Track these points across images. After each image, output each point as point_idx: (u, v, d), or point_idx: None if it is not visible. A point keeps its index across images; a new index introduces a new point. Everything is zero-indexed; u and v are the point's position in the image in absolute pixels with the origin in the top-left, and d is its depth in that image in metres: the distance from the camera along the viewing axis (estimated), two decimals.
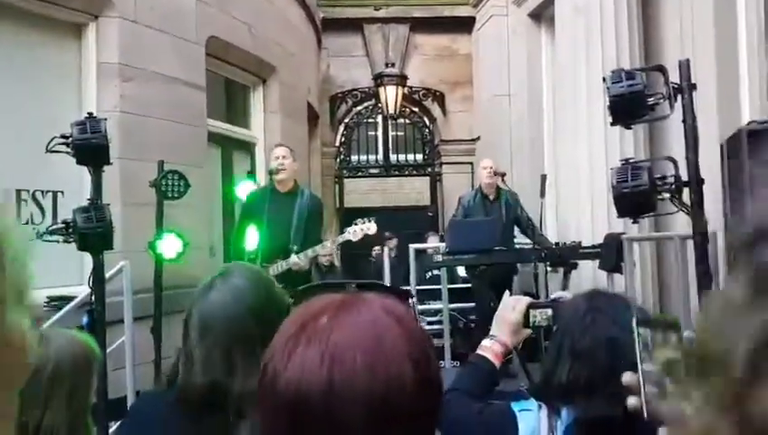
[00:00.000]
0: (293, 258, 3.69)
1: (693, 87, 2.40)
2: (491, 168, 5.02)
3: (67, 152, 2.74)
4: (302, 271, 3.74)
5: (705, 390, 0.36)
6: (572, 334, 1.16)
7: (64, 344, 1.30)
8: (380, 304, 0.67)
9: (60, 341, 1.31)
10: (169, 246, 3.93)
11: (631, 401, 0.73)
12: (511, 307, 1.37)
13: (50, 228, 2.81)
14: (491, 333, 1.40)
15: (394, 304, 0.68)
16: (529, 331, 1.38)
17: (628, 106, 2.49)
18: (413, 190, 9.17)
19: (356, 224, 3.82)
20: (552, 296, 1.50)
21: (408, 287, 6.13)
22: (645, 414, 0.70)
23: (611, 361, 1.06)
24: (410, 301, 4.34)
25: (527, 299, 1.40)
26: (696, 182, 2.37)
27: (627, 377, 0.74)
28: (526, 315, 1.36)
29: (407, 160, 9.32)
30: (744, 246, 0.36)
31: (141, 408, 1.24)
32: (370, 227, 3.78)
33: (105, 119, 2.84)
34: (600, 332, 1.11)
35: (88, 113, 2.87)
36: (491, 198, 5.02)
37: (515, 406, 1.19)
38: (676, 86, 2.41)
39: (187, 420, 1.08)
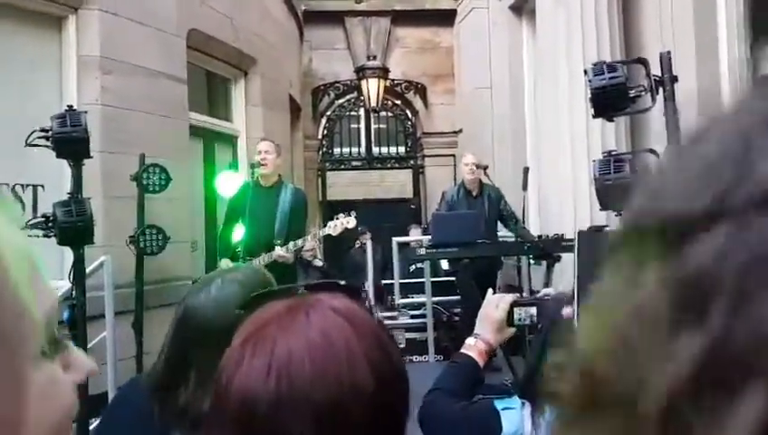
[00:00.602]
0: (279, 250, 3.69)
1: (674, 79, 2.44)
2: (472, 164, 5.03)
3: (47, 146, 2.69)
4: (287, 263, 3.74)
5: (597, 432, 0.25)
6: (556, 331, 1.15)
7: None
8: (329, 305, 0.65)
9: None
10: (151, 239, 3.90)
11: (566, 311, 0.76)
12: (494, 305, 1.36)
13: (30, 222, 2.77)
14: (475, 331, 1.38)
15: (344, 304, 0.66)
16: (513, 329, 1.37)
17: (610, 99, 2.52)
18: (396, 183, 9.19)
19: (336, 218, 3.84)
20: (538, 295, 1.50)
21: (390, 281, 6.17)
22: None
23: None
24: (363, 295, 4.35)
25: (511, 297, 1.39)
26: None
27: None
28: (510, 313, 1.35)
29: (389, 153, 9.32)
30: (661, 238, 0.24)
31: (124, 394, 1.24)
32: (350, 221, 3.79)
33: (85, 112, 2.80)
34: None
35: (68, 106, 2.83)
36: (474, 193, 5.04)
37: (498, 404, 1.18)
38: (657, 79, 2.45)
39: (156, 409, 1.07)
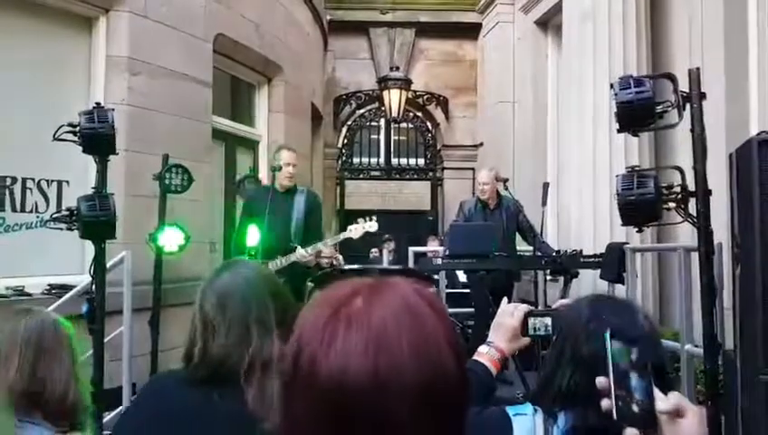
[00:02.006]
0: (300, 251, 3.72)
1: (702, 96, 2.40)
2: (483, 184, 4.96)
3: (74, 141, 2.73)
4: (308, 265, 3.76)
5: None
6: (574, 341, 1.12)
7: (48, 315, 1.48)
8: (411, 287, 0.63)
9: (45, 313, 1.49)
10: (170, 239, 3.93)
11: (604, 403, 0.77)
12: (509, 313, 1.34)
13: (53, 215, 2.81)
14: (488, 339, 1.36)
15: (424, 289, 0.65)
16: (527, 339, 1.35)
17: (636, 113, 2.48)
18: (413, 194, 9.18)
19: (357, 222, 3.85)
20: (553, 306, 1.47)
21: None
22: (614, 416, 0.75)
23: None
24: (433, 288, 4.32)
25: (526, 306, 1.37)
26: (704, 193, 2.36)
27: (600, 381, 0.78)
28: (525, 323, 1.33)
29: (408, 164, 9.33)
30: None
31: (153, 385, 1.27)
32: (372, 225, 3.80)
33: (112, 109, 2.84)
34: (603, 339, 1.09)
35: (96, 103, 2.87)
36: (491, 206, 5.00)
37: (510, 410, 1.16)
38: (684, 95, 2.41)
39: (196, 392, 1.12)
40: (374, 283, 0.62)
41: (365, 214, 7.37)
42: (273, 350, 1.13)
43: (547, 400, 1.13)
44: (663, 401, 0.75)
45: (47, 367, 1.39)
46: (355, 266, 4.30)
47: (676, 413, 0.74)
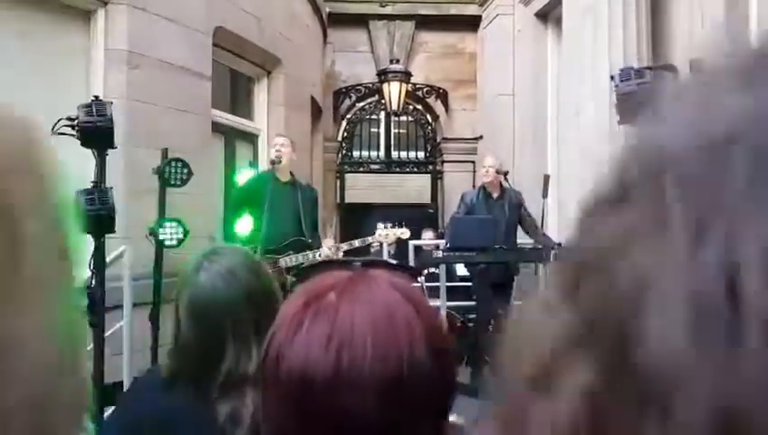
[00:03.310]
0: (327, 251, 3.66)
1: None
2: (489, 166, 4.97)
3: (72, 135, 2.73)
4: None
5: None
6: None
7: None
8: (389, 281, 0.62)
9: None
10: (170, 233, 3.93)
11: None
12: None
13: None
14: None
15: (403, 282, 0.64)
16: None
17: (637, 105, 2.48)
18: (414, 188, 9.17)
19: (385, 227, 3.78)
20: None
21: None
22: None
23: None
24: (419, 279, 4.27)
25: None
26: None
27: None
28: None
29: (408, 157, 9.32)
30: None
31: (132, 389, 1.24)
32: (405, 232, 3.75)
33: (111, 102, 2.84)
34: None
35: (94, 96, 2.87)
36: (494, 196, 4.99)
37: None
38: None
39: (175, 396, 1.08)
40: (351, 277, 0.62)
41: (365, 207, 7.34)
42: (250, 365, 1.05)
43: None
44: None
45: None
46: (339, 259, 4.25)
47: None
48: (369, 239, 3.79)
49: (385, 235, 3.72)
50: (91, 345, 2.91)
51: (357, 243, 3.79)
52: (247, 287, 1.12)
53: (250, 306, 1.10)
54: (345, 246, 3.71)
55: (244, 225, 3.74)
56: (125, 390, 1.34)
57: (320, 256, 3.65)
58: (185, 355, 1.12)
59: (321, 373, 0.55)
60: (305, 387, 0.55)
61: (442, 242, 5.48)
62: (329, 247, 3.69)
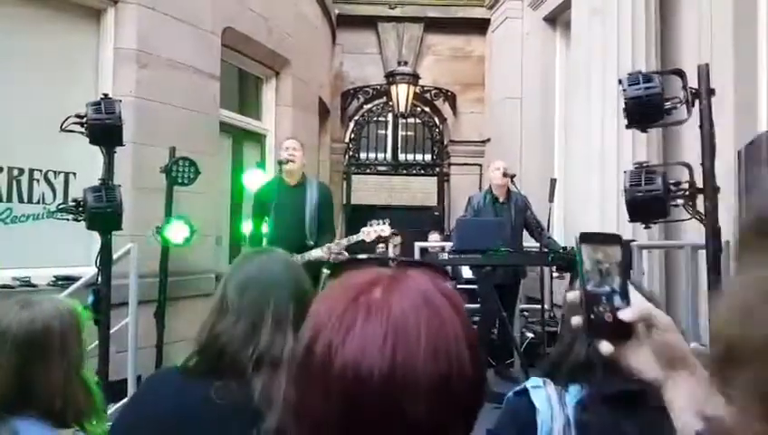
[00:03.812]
0: (316, 252, 3.69)
1: (711, 93, 2.38)
2: (503, 168, 4.97)
3: (81, 132, 2.75)
4: (321, 260, 3.73)
5: (743, 381, 0.32)
6: None
7: (50, 307, 1.39)
8: (429, 280, 0.61)
9: (46, 305, 1.40)
10: (177, 231, 3.95)
11: (574, 320, 0.71)
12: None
13: (60, 206, 2.83)
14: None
15: (441, 282, 0.63)
16: None
17: (645, 109, 2.47)
18: (420, 190, 9.17)
19: (370, 225, 3.80)
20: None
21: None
22: (586, 331, 0.69)
23: None
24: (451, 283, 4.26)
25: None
26: (712, 190, 2.35)
27: (570, 295, 0.73)
28: None
29: (415, 160, 9.31)
30: None
31: (151, 381, 1.24)
32: (384, 229, 3.76)
33: (119, 100, 2.85)
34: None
35: (103, 94, 2.88)
36: (501, 199, 4.99)
37: (528, 382, 1.22)
38: (694, 91, 2.39)
39: (196, 389, 1.08)
40: (393, 273, 0.61)
41: (372, 209, 7.34)
42: (284, 349, 1.08)
43: (562, 373, 1.20)
44: (627, 311, 0.68)
45: (37, 365, 1.31)
46: (372, 256, 4.26)
47: (647, 323, 0.69)
48: (354, 238, 3.82)
49: (367, 232, 3.74)
50: (96, 342, 2.92)
51: (344, 242, 3.81)
52: (292, 277, 1.20)
53: (290, 294, 1.16)
54: (334, 247, 3.71)
55: (265, 230, 3.80)
56: (141, 384, 1.34)
57: (311, 257, 3.65)
58: (218, 332, 1.13)
59: (377, 369, 0.54)
60: (358, 383, 0.54)
61: (448, 244, 5.47)
62: (321, 250, 3.70)
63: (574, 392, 1.16)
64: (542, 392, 1.20)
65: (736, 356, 0.33)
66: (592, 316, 0.69)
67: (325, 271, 3.43)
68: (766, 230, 0.34)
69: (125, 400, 3.42)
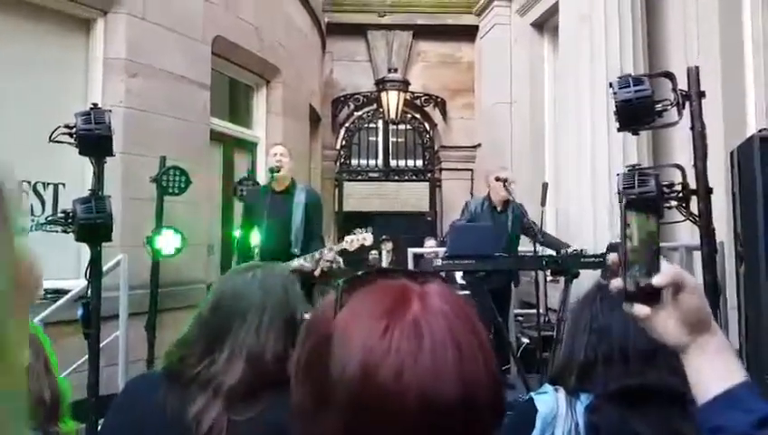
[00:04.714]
0: (297, 262, 3.66)
1: (701, 94, 2.39)
2: (512, 181, 4.72)
3: (70, 143, 2.71)
4: (306, 271, 3.70)
5: None
6: (589, 310, 1.20)
7: None
8: (451, 293, 0.58)
9: None
10: (167, 242, 3.91)
11: (615, 282, 0.72)
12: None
13: (49, 218, 2.78)
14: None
15: (457, 295, 0.60)
16: None
17: (636, 112, 2.48)
18: (412, 196, 9.17)
19: (354, 234, 3.81)
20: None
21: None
22: (626, 293, 0.71)
23: (626, 335, 1.11)
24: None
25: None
26: (705, 191, 2.35)
27: (612, 257, 0.74)
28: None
29: (406, 166, 9.32)
30: None
31: (129, 390, 1.23)
32: (366, 238, 3.76)
33: (109, 110, 2.82)
34: (614, 307, 1.12)
35: (92, 104, 2.85)
36: (499, 209, 4.94)
37: (534, 393, 1.21)
38: (684, 93, 2.41)
39: (175, 395, 1.08)
40: (419, 287, 0.56)
41: (364, 216, 7.33)
42: (231, 373, 1.07)
43: (568, 378, 1.19)
44: (660, 276, 0.70)
45: None
46: (388, 267, 4.22)
47: (676, 287, 0.70)
48: (336, 248, 3.79)
49: (350, 241, 3.74)
50: (86, 356, 2.87)
51: (332, 253, 3.77)
52: (274, 302, 1.15)
53: (267, 321, 1.11)
54: (327, 255, 3.70)
55: (254, 239, 3.76)
56: (120, 392, 1.32)
57: (294, 267, 3.61)
58: (184, 346, 1.13)
59: (455, 393, 0.50)
60: (439, 409, 0.50)
61: (441, 250, 5.45)
62: (304, 259, 3.67)
63: (584, 399, 1.15)
64: (547, 397, 1.19)
65: None
66: (629, 280, 0.71)
67: (341, 284, 3.33)
68: None
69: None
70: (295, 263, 3.67)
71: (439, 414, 0.50)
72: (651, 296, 0.70)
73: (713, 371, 0.70)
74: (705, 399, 0.69)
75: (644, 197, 2.43)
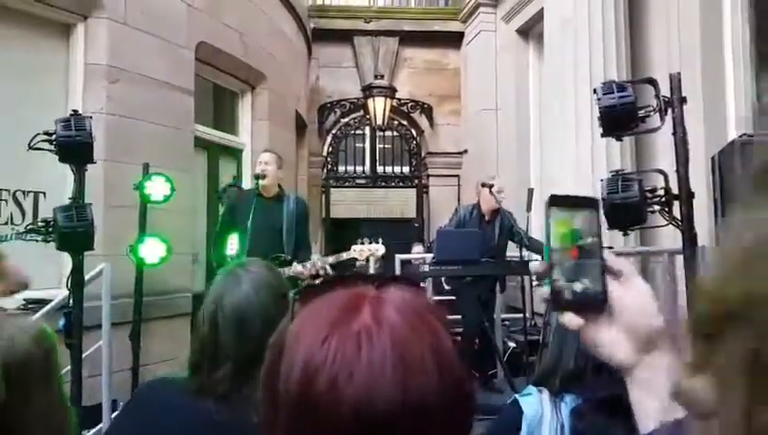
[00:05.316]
0: (297, 267, 3.59)
1: (683, 100, 2.42)
2: (498, 188, 4.71)
3: (50, 150, 2.67)
4: (300, 278, 3.64)
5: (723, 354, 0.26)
6: None
7: (17, 331, 1.28)
8: (413, 295, 0.57)
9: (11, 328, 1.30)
10: (151, 250, 3.86)
11: (540, 291, 0.63)
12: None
13: (29, 227, 2.74)
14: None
15: (423, 296, 0.59)
16: None
17: (619, 118, 2.50)
18: (399, 202, 9.17)
19: (362, 242, 3.71)
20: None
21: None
22: (551, 303, 0.61)
23: None
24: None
25: None
26: (687, 195, 2.38)
27: (535, 266, 0.67)
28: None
29: (393, 172, 9.33)
30: None
31: (145, 394, 1.19)
32: (379, 249, 3.65)
33: (90, 117, 2.78)
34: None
35: (72, 111, 2.81)
36: (487, 218, 4.94)
37: (519, 395, 1.22)
38: (666, 99, 2.43)
39: (196, 404, 1.06)
40: (375, 292, 0.56)
41: (351, 222, 7.29)
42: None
43: (553, 382, 1.19)
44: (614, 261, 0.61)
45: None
46: (337, 274, 4.14)
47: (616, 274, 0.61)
48: (344, 255, 3.70)
49: (359, 250, 3.64)
50: (69, 367, 2.82)
51: (331, 259, 3.69)
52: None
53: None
54: (319, 263, 3.62)
55: (232, 245, 3.68)
56: (135, 392, 1.28)
57: (292, 272, 3.57)
58: (220, 368, 1.09)
59: (392, 402, 0.50)
60: (374, 418, 0.50)
61: (429, 256, 5.45)
62: (302, 266, 3.59)
63: (569, 401, 1.16)
64: (531, 399, 1.20)
65: (729, 318, 0.27)
66: (560, 285, 0.60)
67: (292, 295, 3.25)
68: None
69: (101, 425, 3.32)
70: (295, 269, 3.61)
71: (375, 426, 0.49)
72: (584, 304, 0.60)
73: (652, 401, 0.57)
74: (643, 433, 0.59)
75: (628, 202, 2.44)
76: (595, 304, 0.60)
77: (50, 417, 1.22)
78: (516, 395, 1.23)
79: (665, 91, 2.47)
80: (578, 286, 0.60)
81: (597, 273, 0.61)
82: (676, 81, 2.46)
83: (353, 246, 3.70)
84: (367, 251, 3.62)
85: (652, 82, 2.52)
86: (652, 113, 2.48)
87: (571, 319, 0.60)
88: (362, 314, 0.53)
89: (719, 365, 0.27)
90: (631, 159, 4.09)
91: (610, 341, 0.60)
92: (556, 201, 0.64)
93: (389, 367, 0.50)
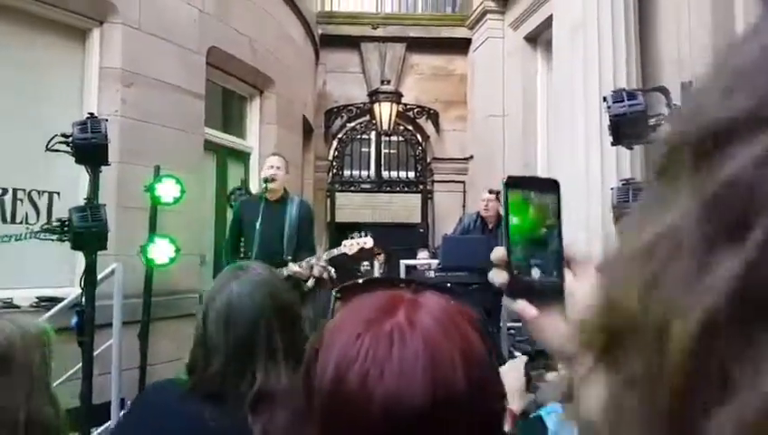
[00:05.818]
0: (293, 266, 3.65)
1: None
2: (488, 200, 4.92)
3: (66, 151, 2.71)
4: (301, 278, 3.69)
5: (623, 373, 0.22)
6: None
7: (15, 329, 1.29)
8: (446, 301, 0.60)
9: (10, 326, 1.30)
10: (161, 251, 3.89)
11: (497, 278, 0.59)
12: (511, 376, 1.35)
13: (44, 226, 2.78)
14: None
15: (457, 303, 0.61)
16: (532, 395, 1.39)
17: (630, 126, 2.52)
18: (404, 207, 9.19)
19: (352, 237, 3.79)
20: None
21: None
22: (507, 291, 0.57)
23: None
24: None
25: (521, 362, 1.41)
26: None
27: (496, 253, 0.60)
28: (528, 378, 1.37)
29: (398, 177, 9.36)
30: (691, 151, 0.21)
31: (149, 396, 1.21)
32: (367, 241, 3.75)
33: (105, 119, 2.83)
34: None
35: (89, 113, 2.86)
36: (490, 226, 4.99)
37: (543, 410, 1.21)
38: (677, 107, 2.45)
39: (193, 409, 1.06)
40: (410, 296, 0.58)
41: (356, 227, 7.32)
42: (280, 381, 1.06)
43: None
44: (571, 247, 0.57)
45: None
46: (379, 277, 4.18)
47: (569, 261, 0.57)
48: (336, 251, 3.78)
49: (349, 244, 3.72)
50: (80, 364, 2.85)
51: (325, 256, 3.77)
52: (278, 303, 1.14)
53: (278, 323, 1.11)
54: (315, 262, 3.67)
55: (244, 249, 3.74)
56: (139, 395, 1.29)
57: (289, 273, 3.60)
58: (212, 365, 1.10)
59: (421, 399, 0.51)
60: (403, 414, 0.51)
61: (434, 262, 5.47)
62: (298, 265, 3.65)
63: None
64: (555, 416, 1.20)
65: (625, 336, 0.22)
66: (515, 273, 0.57)
67: (335, 294, 3.36)
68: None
69: (109, 422, 3.35)
70: (291, 268, 3.66)
71: (404, 424, 0.50)
72: (540, 292, 0.56)
73: None
74: None
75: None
76: (552, 294, 0.55)
77: (34, 416, 1.22)
78: (541, 411, 1.23)
79: (676, 99, 2.49)
80: (535, 273, 0.56)
81: (555, 259, 0.57)
82: (688, 89, 2.49)
83: (344, 241, 3.79)
84: (356, 245, 3.70)
85: (663, 90, 2.54)
86: (663, 122, 2.50)
87: (523, 307, 0.55)
88: (397, 314, 0.55)
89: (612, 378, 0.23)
90: (642, 168, 4.10)
91: (560, 333, 0.54)
92: (514, 182, 0.60)
93: (420, 367, 0.52)
